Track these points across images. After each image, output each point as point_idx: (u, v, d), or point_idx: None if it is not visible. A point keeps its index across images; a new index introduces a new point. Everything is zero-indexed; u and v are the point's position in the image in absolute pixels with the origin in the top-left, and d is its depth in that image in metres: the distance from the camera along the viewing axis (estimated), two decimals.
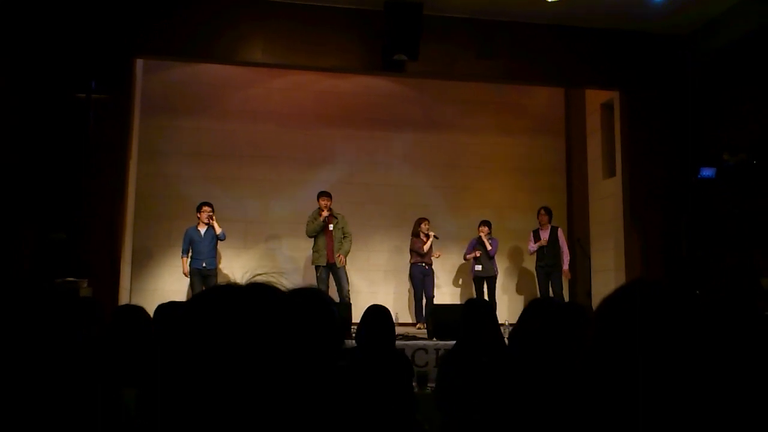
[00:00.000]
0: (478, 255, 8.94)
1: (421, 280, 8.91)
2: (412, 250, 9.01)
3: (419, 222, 8.96)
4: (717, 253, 7.85)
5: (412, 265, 9.00)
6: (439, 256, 9.01)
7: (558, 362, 1.69)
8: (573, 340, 1.73)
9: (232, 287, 0.82)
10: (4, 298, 1.24)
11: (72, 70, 7.25)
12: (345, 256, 8.45)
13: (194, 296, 0.85)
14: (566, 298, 9.44)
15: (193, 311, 0.80)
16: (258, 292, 0.82)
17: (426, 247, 8.87)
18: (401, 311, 9.72)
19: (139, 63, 8.47)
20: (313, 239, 8.46)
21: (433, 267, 9.02)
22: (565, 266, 8.80)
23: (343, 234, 8.48)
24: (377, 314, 3.64)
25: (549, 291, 8.76)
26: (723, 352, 0.90)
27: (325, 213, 8.34)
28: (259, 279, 0.84)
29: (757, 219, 7.38)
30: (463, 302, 6.66)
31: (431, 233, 8.88)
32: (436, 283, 9.16)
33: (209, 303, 0.81)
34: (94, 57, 7.38)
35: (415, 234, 8.98)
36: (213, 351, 0.74)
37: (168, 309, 3.92)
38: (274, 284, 0.83)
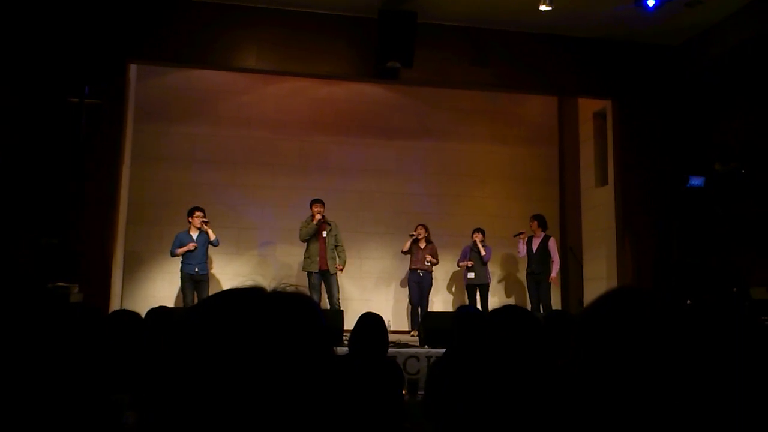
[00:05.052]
0: (470, 265, 8.95)
1: (414, 287, 8.92)
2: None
3: (416, 226, 9.01)
4: (707, 261, 7.88)
5: (408, 271, 9.05)
6: (429, 260, 8.93)
7: (534, 369, 1.70)
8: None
9: (240, 293, 0.83)
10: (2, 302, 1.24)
11: (66, 75, 7.24)
12: (343, 266, 8.52)
13: (200, 302, 0.86)
14: (557, 307, 9.46)
15: (199, 317, 0.81)
16: (271, 300, 0.82)
17: (404, 247, 8.93)
18: (395, 318, 9.72)
19: (133, 68, 8.46)
20: (305, 245, 8.45)
21: (431, 274, 8.99)
22: (553, 274, 8.75)
23: (336, 242, 8.48)
24: (370, 322, 3.65)
25: (538, 299, 8.76)
26: (707, 356, 0.91)
27: (318, 216, 8.32)
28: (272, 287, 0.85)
29: (746, 227, 7.43)
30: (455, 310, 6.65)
31: (413, 234, 8.93)
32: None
33: (215, 309, 0.81)
34: (88, 62, 7.38)
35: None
36: (215, 357, 0.75)
37: (159, 313, 3.92)
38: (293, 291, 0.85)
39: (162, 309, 4.02)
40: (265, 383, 0.74)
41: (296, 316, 0.81)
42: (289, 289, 0.85)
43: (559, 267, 8.89)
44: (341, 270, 8.52)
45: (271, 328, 0.78)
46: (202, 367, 0.74)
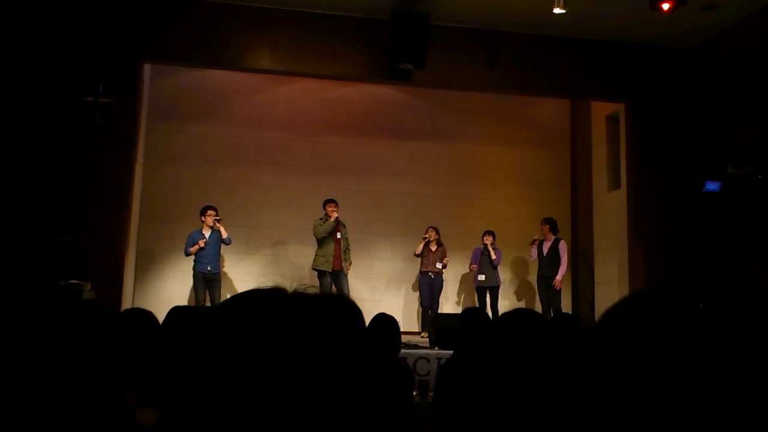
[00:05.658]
0: (472, 269, 8.98)
1: (425, 289, 8.95)
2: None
3: (427, 229, 9.04)
4: (719, 264, 7.82)
5: (419, 273, 9.07)
6: (444, 262, 8.99)
7: (543, 371, 1.70)
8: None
9: (263, 294, 0.81)
10: (6, 300, 1.24)
11: (80, 74, 7.30)
12: (349, 268, 8.69)
13: (225, 302, 0.84)
14: (568, 310, 9.42)
15: (226, 319, 0.79)
16: (299, 302, 0.81)
17: (417, 250, 8.94)
18: (405, 320, 9.72)
19: (147, 68, 8.51)
20: (317, 244, 8.49)
21: (442, 277, 9.04)
22: (558, 277, 8.68)
23: (347, 245, 8.61)
24: (384, 324, 3.65)
25: (549, 302, 8.73)
26: (720, 361, 0.91)
27: (335, 214, 8.38)
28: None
29: (758, 230, 7.37)
30: None
31: (425, 236, 8.95)
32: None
33: (240, 310, 0.80)
34: (103, 61, 7.43)
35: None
36: (244, 360, 0.74)
37: (181, 313, 3.94)
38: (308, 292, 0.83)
39: (186, 308, 4.03)
40: (300, 386, 0.73)
41: (342, 318, 0.80)
42: (310, 290, 0.83)
43: (565, 270, 8.85)
44: (348, 271, 8.64)
45: (315, 330, 0.77)
46: (227, 370, 0.74)
